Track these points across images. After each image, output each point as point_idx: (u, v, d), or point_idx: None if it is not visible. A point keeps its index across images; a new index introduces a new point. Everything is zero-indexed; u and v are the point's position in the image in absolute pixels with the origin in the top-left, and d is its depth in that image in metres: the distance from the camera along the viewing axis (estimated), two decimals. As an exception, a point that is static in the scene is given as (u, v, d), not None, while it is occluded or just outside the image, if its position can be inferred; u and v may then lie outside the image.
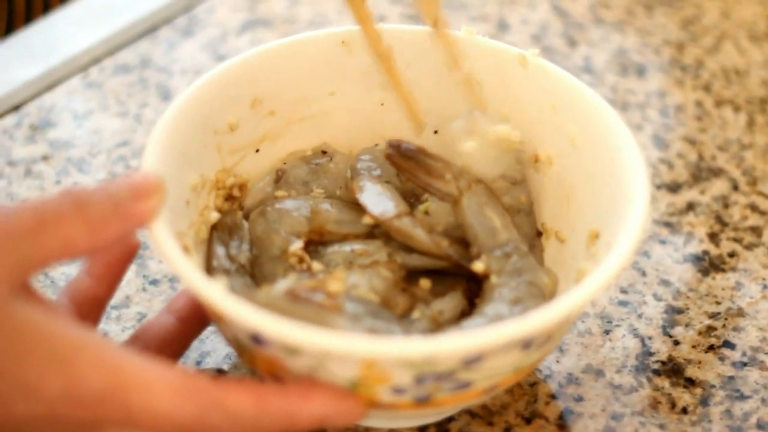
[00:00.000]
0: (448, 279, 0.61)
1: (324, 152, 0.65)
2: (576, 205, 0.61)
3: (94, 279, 0.57)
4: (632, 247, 0.53)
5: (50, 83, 0.80)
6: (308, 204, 0.62)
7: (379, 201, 0.61)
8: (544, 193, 0.63)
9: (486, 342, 0.49)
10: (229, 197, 0.62)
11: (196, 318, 0.59)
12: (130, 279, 0.66)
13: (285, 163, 0.64)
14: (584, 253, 0.59)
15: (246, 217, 0.62)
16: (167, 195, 0.53)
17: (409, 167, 0.62)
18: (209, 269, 0.59)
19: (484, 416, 0.60)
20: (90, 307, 0.57)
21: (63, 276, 0.66)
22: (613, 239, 0.54)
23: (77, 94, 0.79)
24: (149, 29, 0.84)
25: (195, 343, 0.62)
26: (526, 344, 0.52)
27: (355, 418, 0.52)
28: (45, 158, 0.74)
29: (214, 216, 0.60)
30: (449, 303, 0.59)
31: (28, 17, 0.90)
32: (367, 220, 0.61)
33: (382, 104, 0.66)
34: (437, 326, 0.58)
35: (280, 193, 0.63)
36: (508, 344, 0.51)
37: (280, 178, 0.64)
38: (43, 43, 0.82)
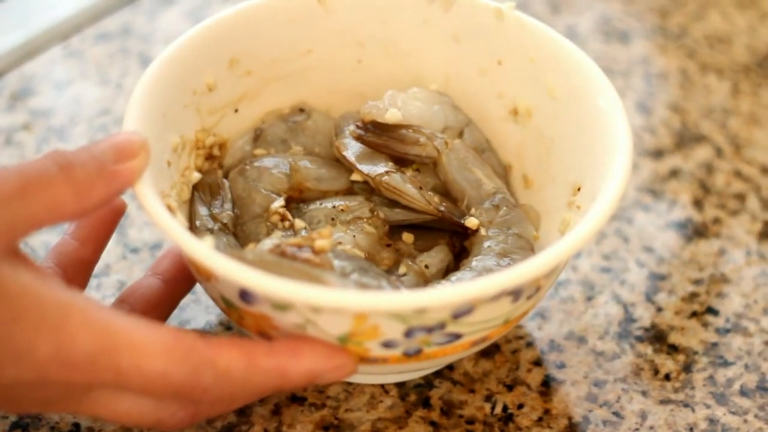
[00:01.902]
0: (430, 233, 0.61)
1: (302, 110, 0.65)
2: (557, 157, 0.61)
3: (80, 241, 0.57)
4: (618, 196, 0.53)
5: (31, 52, 0.79)
6: (287, 161, 0.62)
7: (365, 158, 0.61)
8: (525, 146, 0.64)
9: (477, 293, 0.49)
10: (209, 157, 0.62)
11: (181, 279, 0.58)
12: (110, 247, 0.66)
13: (263, 122, 0.64)
14: (566, 205, 0.59)
15: (226, 176, 0.62)
16: (150, 155, 0.52)
17: (382, 141, 0.62)
18: (192, 229, 0.59)
19: (466, 383, 0.60)
20: (76, 270, 0.56)
21: (44, 246, 0.66)
22: (597, 190, 0.54)
23: (58, 62, 0.79)
24: (131, -2, 0.84)
25: (175, 312, 0.61)
26: (516, 295, 0.52)
27: (346, 373, 0.52)
28: (26, 127, 0.74)
29: (196, 176, 0.60)
30: (436, 257, 0.59)
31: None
32: (355, 176, 0.61)
33: (359, 61, 0.66)
34: (425, 280, 0.58)
35: (258, 151, 0.63)
36: (499, 295, 0.51)
37: (258, 136, 0.64)
38: (23, 11, 0.82)
